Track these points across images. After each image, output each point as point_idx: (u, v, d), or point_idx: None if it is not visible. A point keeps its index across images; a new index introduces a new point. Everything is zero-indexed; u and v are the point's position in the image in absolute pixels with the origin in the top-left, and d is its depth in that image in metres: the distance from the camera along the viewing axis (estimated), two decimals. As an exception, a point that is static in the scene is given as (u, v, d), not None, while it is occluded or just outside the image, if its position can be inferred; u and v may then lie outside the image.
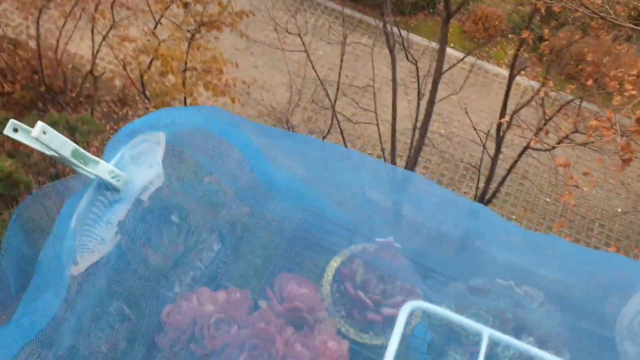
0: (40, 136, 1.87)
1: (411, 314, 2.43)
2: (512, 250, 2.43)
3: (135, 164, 2.23)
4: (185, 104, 11.01)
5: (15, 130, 1.97)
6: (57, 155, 1.97)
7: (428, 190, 2.55)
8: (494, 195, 10.74)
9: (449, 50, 12.28)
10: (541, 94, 7.79)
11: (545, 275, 2.40)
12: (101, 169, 2.08)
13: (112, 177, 2.11)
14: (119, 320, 2.16)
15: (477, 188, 11.23)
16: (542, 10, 7.40)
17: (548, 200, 13.62)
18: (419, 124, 10.23)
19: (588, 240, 13.09)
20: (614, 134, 5.74)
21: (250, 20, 13.05)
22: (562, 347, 2.33)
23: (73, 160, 2.00)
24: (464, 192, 13.36)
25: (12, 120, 1.98)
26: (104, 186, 2.14)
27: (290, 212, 2.48)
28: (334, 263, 2.46)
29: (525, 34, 8.11)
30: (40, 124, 1.87)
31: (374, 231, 2.55)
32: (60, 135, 1.92)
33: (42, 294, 1.94)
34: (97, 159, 2.06)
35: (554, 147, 9.15)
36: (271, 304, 2.19)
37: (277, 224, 2.46)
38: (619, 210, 13.71)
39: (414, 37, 15.27)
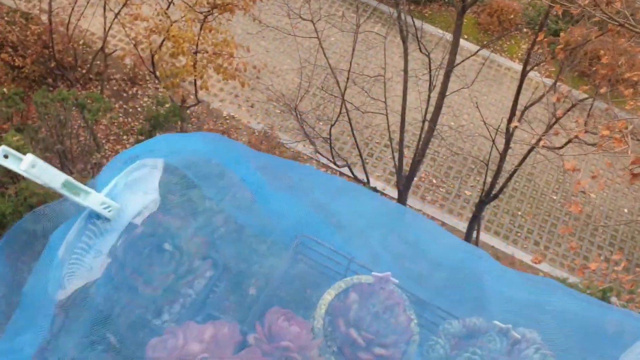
0: (29, 170, 1.82)
1: (404, 354, 2.40)
2: (511, 293, 2.38)
3: (131, 191, 2.18)
4: (195, 87, 10.95)
5: (6, 156, 1.91)
6: (47, 186, 1.92)
7: (428, 227, 2.50)
8: (501, 190, 10.68)
9: (462, 42, 12.15)
10: (554, 98, 7.67)
11: (543, 319, 2.35)
12: (92, 199, 2.02)
13: (104, 208, 2.06)
14: (104, 350, 2.12)
15: (484, 183, 11.17)
16: (560, 13, 7.27)
17: (554, 198, 13.54)
18: (428, 116, 10.15)
19: (592, 240, 13.03)
20: (626, 146, 5.65)
21: (264, 4, 12.95)
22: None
23: (64, 191, 1.95)
24: (471, 186, 13.29)
25: (3, 147, 1.93)
26: (95, 215, 2.09)
27: (288, 241, 2.43)
28: (328, 296, 2.41)
29: (540, 37, 7.97)
30: (30, 158, 1.81)
31: (372, 261, 2.50)
32: (50, 167, 1.86)
33: (24, 332, 1.89)
34: (88, 189, 2.01)
35: (561, 148, 9.07)
36: (259, 342, 2.15)
37: (275, 252, 2.41)
38: (625, 210, 13.62)
39: (428, 27, 15.13)
